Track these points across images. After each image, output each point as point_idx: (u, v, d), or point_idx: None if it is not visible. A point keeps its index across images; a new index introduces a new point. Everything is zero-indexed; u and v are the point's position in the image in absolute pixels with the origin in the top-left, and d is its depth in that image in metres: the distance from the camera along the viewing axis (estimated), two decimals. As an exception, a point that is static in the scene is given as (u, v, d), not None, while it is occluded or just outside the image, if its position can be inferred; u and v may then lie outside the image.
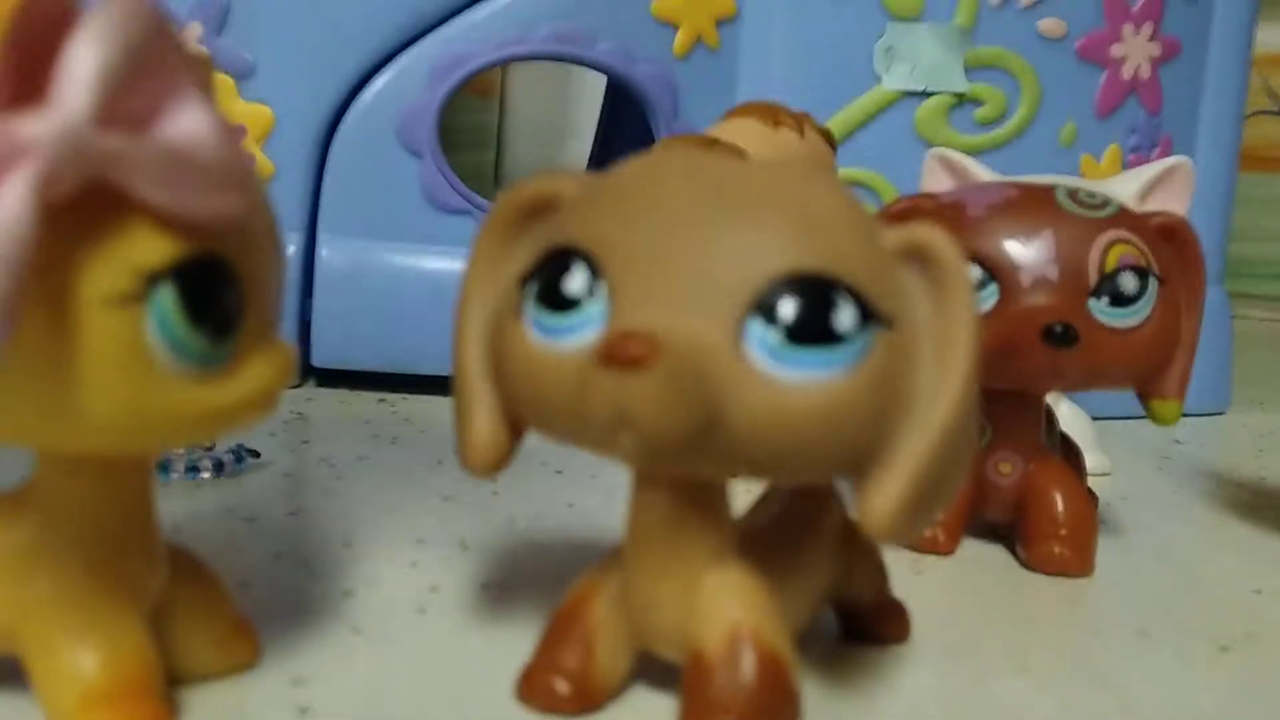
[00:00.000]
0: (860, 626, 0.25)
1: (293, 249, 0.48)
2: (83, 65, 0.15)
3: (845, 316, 0.18)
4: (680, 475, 0.20)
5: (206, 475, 0.34)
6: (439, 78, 0.47)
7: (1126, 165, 0.52)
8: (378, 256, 0.48)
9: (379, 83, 0.48)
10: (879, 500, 0.18)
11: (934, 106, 0.50)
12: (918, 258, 0.19)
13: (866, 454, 0.19)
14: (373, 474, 0.36)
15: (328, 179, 0.48)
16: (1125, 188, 0.35)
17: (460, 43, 0.47)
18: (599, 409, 0.18)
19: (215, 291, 0.17)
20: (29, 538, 0.19)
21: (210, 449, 0.36)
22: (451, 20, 0.47)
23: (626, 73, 0.49)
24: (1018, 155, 0.50)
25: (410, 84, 0.47)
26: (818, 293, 0.18)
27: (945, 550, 0.31)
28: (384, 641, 0.24)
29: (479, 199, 0.48)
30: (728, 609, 0.20)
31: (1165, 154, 0.53)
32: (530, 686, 0.21)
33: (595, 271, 0.19)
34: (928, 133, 0.50)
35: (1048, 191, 0.30)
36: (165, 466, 0.34)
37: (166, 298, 0.17)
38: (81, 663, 0.18)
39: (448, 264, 0.47)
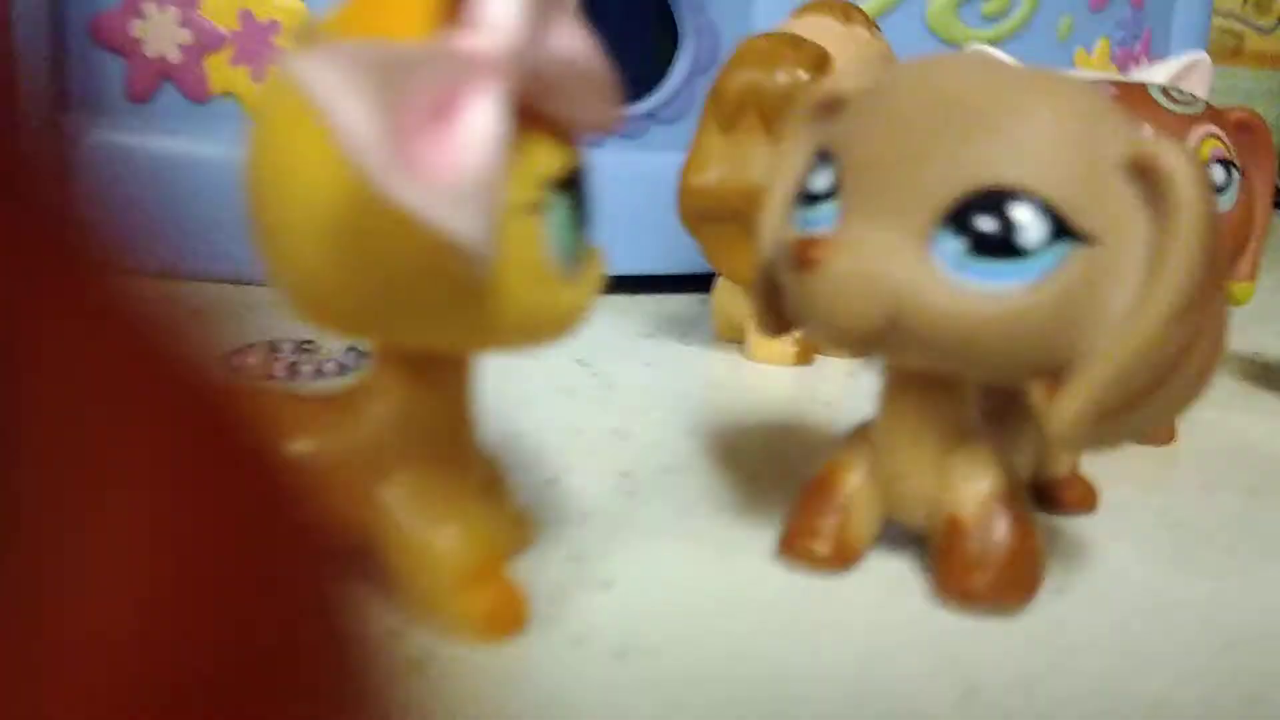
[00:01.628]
0: (1051, 499, 0.27)
1: (331, 149, 0.47)
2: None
3: (1034, 232, 0.19)
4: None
5: (333, 374, 0.35)
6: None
7: (1114, 58, 0.55)
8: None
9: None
10: (1062, 407, 0.20)
11: (944, 2, 0.52)
12: (1143, 172, 0.19)
13: (1052, 362, 0.20)
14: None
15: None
16: (1153, 79, 0.38)
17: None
18: (791, 303, 0.21)
19: (588, 196, 0.19)
20: (374, 435, 0.20)
21: (308, 348, 0.37)
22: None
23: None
24: (1022, 48, 0.52)
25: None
26: (1005, 207, 0.19)
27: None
28: (621, 515, 0.25)
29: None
30: (979, 478, 0.23)
31: (1146, 47, 0.57)
32: (791, 547, 0.23)
33: (835, 172, 0.21)
34: (939, 28, 0.52)
35: (1143, 89, 0.33)
36: (294, 367, 0.35)
37: (561, 205, 0.18)
38: (450, 547, 0.20)
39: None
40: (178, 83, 0.47)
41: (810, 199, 0.21)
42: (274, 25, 0.46)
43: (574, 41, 0.18)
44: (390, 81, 0.15)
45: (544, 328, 0.18)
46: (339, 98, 0.14)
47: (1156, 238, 0.19)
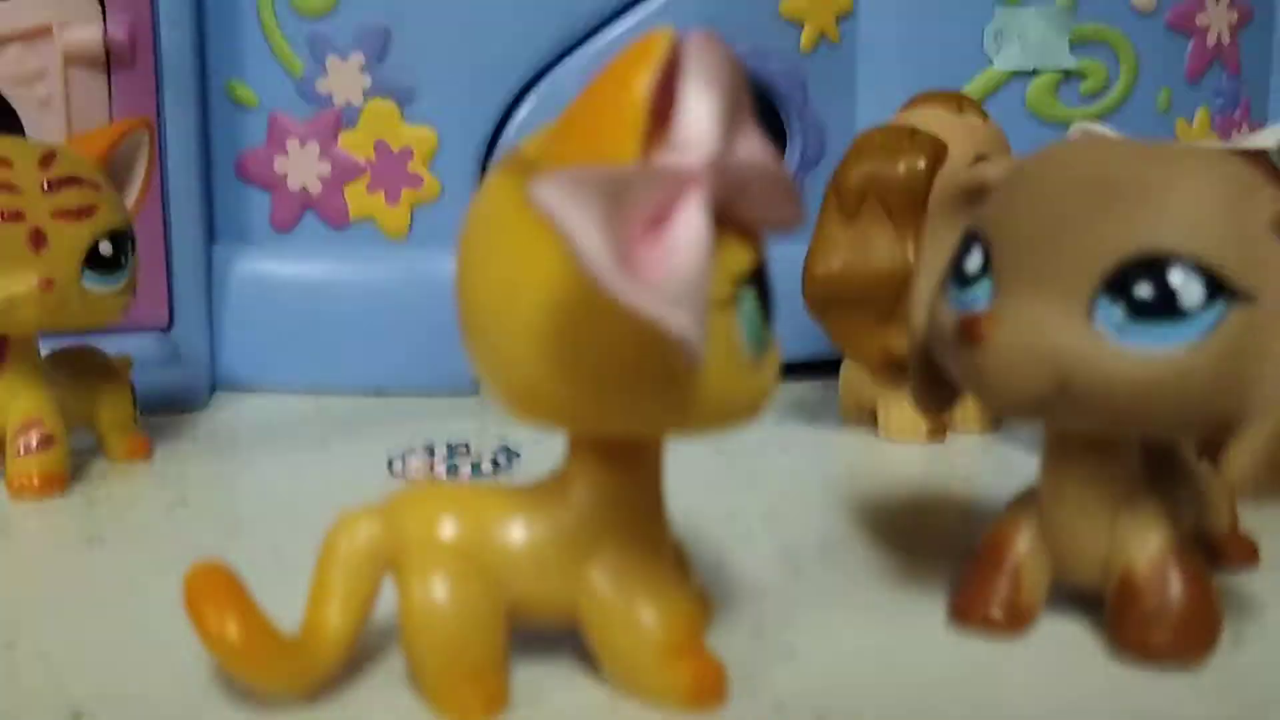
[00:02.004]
0: (1213, 555, 0.27)
1: (461, 262, 0.50)
2: (705, 108, 0.18)
3: (1192, 293, 0.20)
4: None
5: (489, 472, 0.37)
6: (590, 90, 0.50)
7: (1214, 126, 0.56)
8: (544, 263, 0.50)
9: (533, 98, 0.50)
10: (1236, 459, 0.21)
11: (1043, 84, 0.53)
12: None
13: (1219, 416, 0.21)
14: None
15: (491, 193, 0.50)
16: (1266, 144, 0.39)
17: (610, 55, 0.50)
18: (959, 375, 0.22)
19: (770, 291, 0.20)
20: (579, 518, 0.21)
21: (461, 450, 0.38)
22: (601, 32, 0.50)
23: (761, 70, 0.52)
24: (1124, 122, 0.53)
25: (564, 96, 0.50)
26: (1162, 272, 0.20)
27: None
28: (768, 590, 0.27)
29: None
30: (1150, 534, 0.23)
31: (1246, 113, 0.57)
32: (968, 615, 0.24)
33: (987, 253, 0.22)
34: (1039, 108, 0.53)
35: (1264, 154, 0.34)
36: (454, 470, 0.36)
37: (749, 298, 0.19)
38: (655, 622, 0.21)
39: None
40: (319, 212, 0.50)
41: (964, 279, 0.23)
42: (407, 152, 0.49)
43: (758, 149, 0.19)
44: (614, 200, 0.16)
45: (738, 411, 0.20)
46: (573, 216, 0.16)
47: None
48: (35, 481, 0.34)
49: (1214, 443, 0.22)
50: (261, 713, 0.21)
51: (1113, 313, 0.20)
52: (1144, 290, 0.20)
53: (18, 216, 0.33)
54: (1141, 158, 0.22)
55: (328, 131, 0.49)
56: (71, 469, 0.35)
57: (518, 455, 0.38)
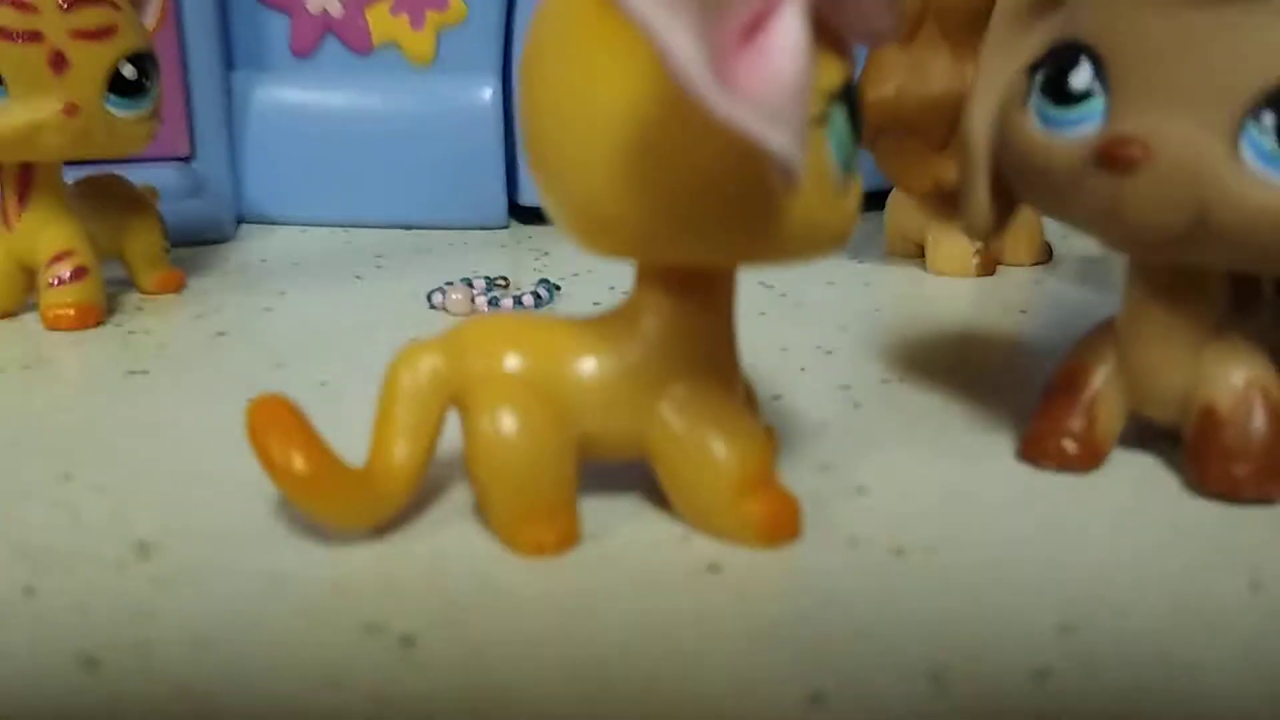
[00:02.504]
0: None
1: (489, 91, 0.48)
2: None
3: None
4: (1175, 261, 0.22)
5: (531, 306, 0.36)
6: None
7: None
8: (575, 91, 0.49)
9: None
10: None
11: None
12: None
13: None
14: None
15: (519, 17, 0.48)
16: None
17: None
18: (1092, 203, 0.20)
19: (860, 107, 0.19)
20: (649, 352, 0.21)
21: (505, 284, 0.38)
22: None
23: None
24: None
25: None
26: None
27: None
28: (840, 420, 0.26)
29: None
30: (1235, 369, 0.23)
31: None
32: (1041, 448, 0.24)
33: (1099, 68, 0.21)
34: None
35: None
36: (495, 303, 0.36)
37: (840, 117, 0.18)
38: (728, 456, 0.20)
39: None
40: (340, 36, 0.48)
41: (1066, 96, 0.21)
42: (431, -29, 0.47)
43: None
44: (709, 6, 0.15)
45: (826, 239, 0.19)
46: (665, 20, 0.14)
47: None
48: (71, 313, 0.33)
49: None
50: (329, 545, 0.20)
51: (1261, 141, 0.19)
52: None
53: (36, 37, 0.31)
54: None
55: (348, -51, 0.47)
56: (105, 300, 0.35)
57: (558, 288, 0.38)
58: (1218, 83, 0.19)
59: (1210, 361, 0.23)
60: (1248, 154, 0.19)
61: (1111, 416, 0.24)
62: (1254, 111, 0.19)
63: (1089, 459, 0.24)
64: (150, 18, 0.36)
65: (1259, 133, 0.19)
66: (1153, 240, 0.20)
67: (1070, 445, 0.24)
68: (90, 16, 0.32)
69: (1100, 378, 0.24)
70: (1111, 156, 0.20)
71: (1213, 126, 0.19)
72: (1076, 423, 0.24)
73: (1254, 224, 0.19)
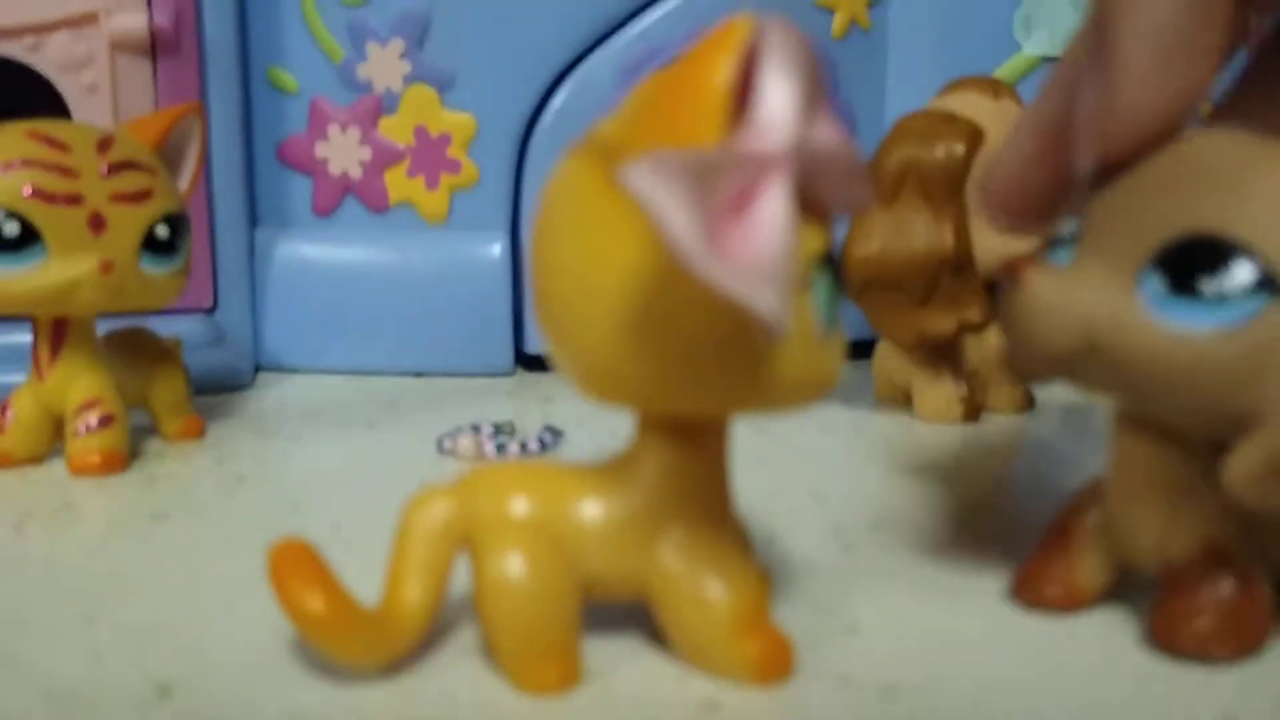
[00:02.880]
0: None
1: (498, 248, 0.51)
2: (785, 92, 0.19)
3: (1238, 278, 0.20)
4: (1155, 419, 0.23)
5: (536, 451, 0.37)
6: (627, 75, 0.50)
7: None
8: (580, 247, 0.51)
9: (570, 84, 0.50)
10: (1237, 461, 0.20)
11: (1074, 68, 0.54)
12: None
13: (1241, 413, 0.20)
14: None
15: (526, 180, 0.51)
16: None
17: (644, 40, 0.50)
18: (1001, 319, 0.23)
19: (841, 271, 0.21)
20: (649, 496, 0.22)
21: (511, 430, 0.39)
22: (633, 21, 0.50)
23: (795, 57, 0.52)
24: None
25: (600, 83, 0.50)
26: (1212, 253, 0.20)
27: None
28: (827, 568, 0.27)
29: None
30: (1201, 529, 0.23)
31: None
32: (1027, 591, 0.25)
33: (1080, 222, 0.23)
34: (1070, 93, 0.54)
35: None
36: (502, 449, 0.37)
37: (823, 279, 0.20)
38: (724, 598, 0.21)
39: (647, 249, 0.51)
40: (360, 196, 0.51)
41: (1056, 241, 0.23)
42: (446, 138, 0.50)
43: (833, 132, 0.20)
44: (702, 183, 0.17)
45: (811, 389, 0.20)
46: (663, 198, 0.16)
47: None
48: (97, 459, 0.35)
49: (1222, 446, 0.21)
50: (345, 685, 0.21)
51: (1156, 285, 0.21)
52: (1189, 268, 0.20)
53: (78, 200, 0.34)
54: (1245, 144, 0.21)
55: (368, 117, 0.50)
56: (129, 447, 0.36)
57: (562, 434, 0.39)
58: (1134, 231, 0.21)
59: (1180, 520, 0.23)
60: (1141, 296, 0.21)
61: (1096, 565, 0.25)
62: (1157, 259, 0.21)
63: (1071, 603, 0.25)
64: (185, 182, 0.38)
65: (1156, 278, 0.21)
66: (1039, 358, 0.22)
67: (1054, 590, 0.25)
68: (129, 181, 0.35)
69: (1088, 526, 0.25)
70: (1006, 270, 0.22)
71: (1121, 267, 0.21)
72: (1062, 569, 0.25)
73: (1131, 360, 0.21)
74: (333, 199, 0.51)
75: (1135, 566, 0.25)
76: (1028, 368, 0.23)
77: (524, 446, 0.37)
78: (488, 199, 0.51)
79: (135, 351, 0.38)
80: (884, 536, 0.30)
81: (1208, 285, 0.20)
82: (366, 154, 0.50)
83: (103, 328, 0.38)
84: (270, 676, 0.22)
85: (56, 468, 0.36)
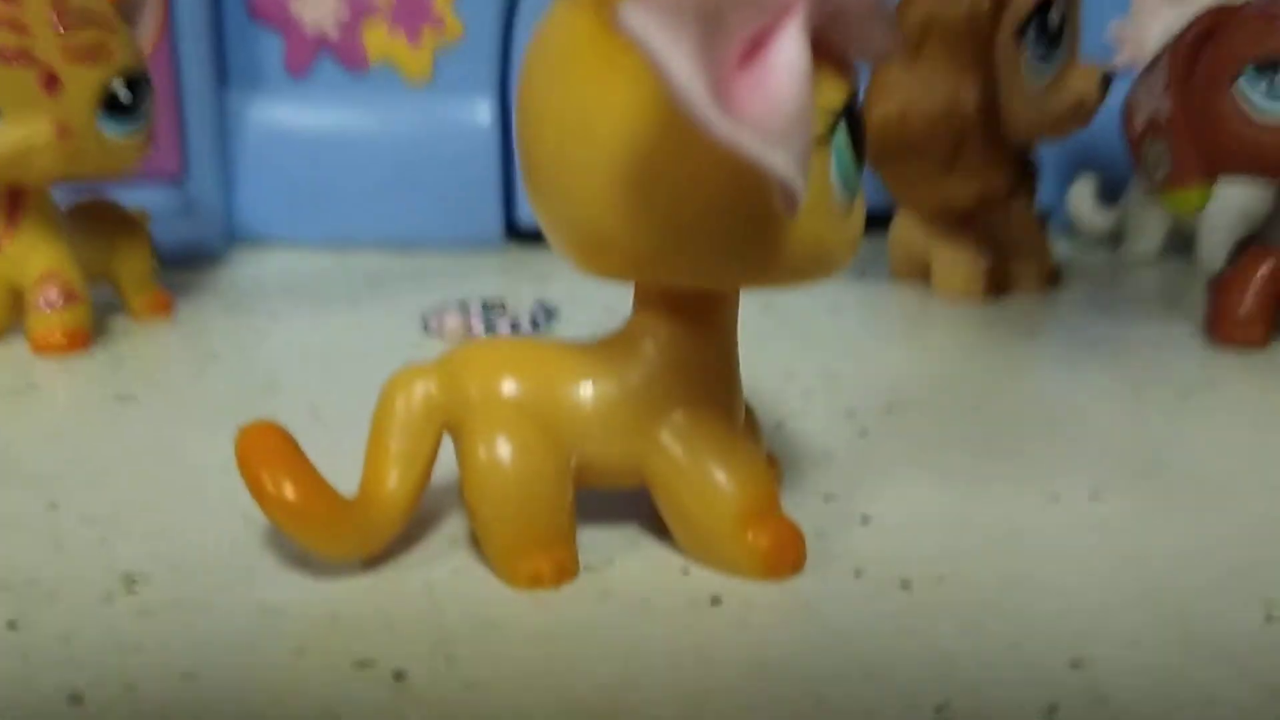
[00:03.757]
0: None
1: (486, 111, 0.48)
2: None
3: None
4: None
5: (528, 330, 0.36)
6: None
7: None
8: (572, 112, 0.48)
9: (560, -66, 0.47)
10: None
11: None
12: None
13: None
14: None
15: (518, 36, 0.48)
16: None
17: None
18: None
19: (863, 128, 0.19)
20: (648, 376, 0.20)
21: (502, 308, 0.37)
22: None
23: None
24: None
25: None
26: None
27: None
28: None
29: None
30: None
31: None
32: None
33: None
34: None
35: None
36: (491, 328, 0.35)
37: (841, 136, 0.18)
38: (732, 485, 0.20)
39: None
40: (336, 54, 0.48)
41: None
42: (427, -9, 0.47)
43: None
44: (710, 25, 0.15)
45: (828, 260, 0.18)
46: (666, 42, 0.14)
47: None
48: (59, 337, 0.33)
49: None
50: (321, 577, 0.20)
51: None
52: None
53: (28, 58, 0.31)
54: None
55: (343, -31, 0.47)
56: (94, 325, 0.34)
57: (555, 312, 0.37)
58: None
59: None
60: None
61: None
62: None
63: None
64: (145, 37, 0.35)
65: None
66: None
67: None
68: (83, 37, 0.32)
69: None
70: None
71: None
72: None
73: None
74: (307, 57, 0.48)
75: None
76: None
77: (515, 325, 0.35)
78: (474, 58, 0.48)
79: (98, 222, 0.36)
80: (899, 420, 0.28)
81: None
82: (343, 8, 0.47)
83: (65, 199, 0.35)
84: (242, 568, 0.20)
85: (18, 345, 0.34)
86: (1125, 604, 0.19)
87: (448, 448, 0.20)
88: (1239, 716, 0.16)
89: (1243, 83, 0.30)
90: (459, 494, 0.20)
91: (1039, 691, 0.17)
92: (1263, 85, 0.30)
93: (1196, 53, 0.31)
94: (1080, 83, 0.37)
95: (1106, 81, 0.37)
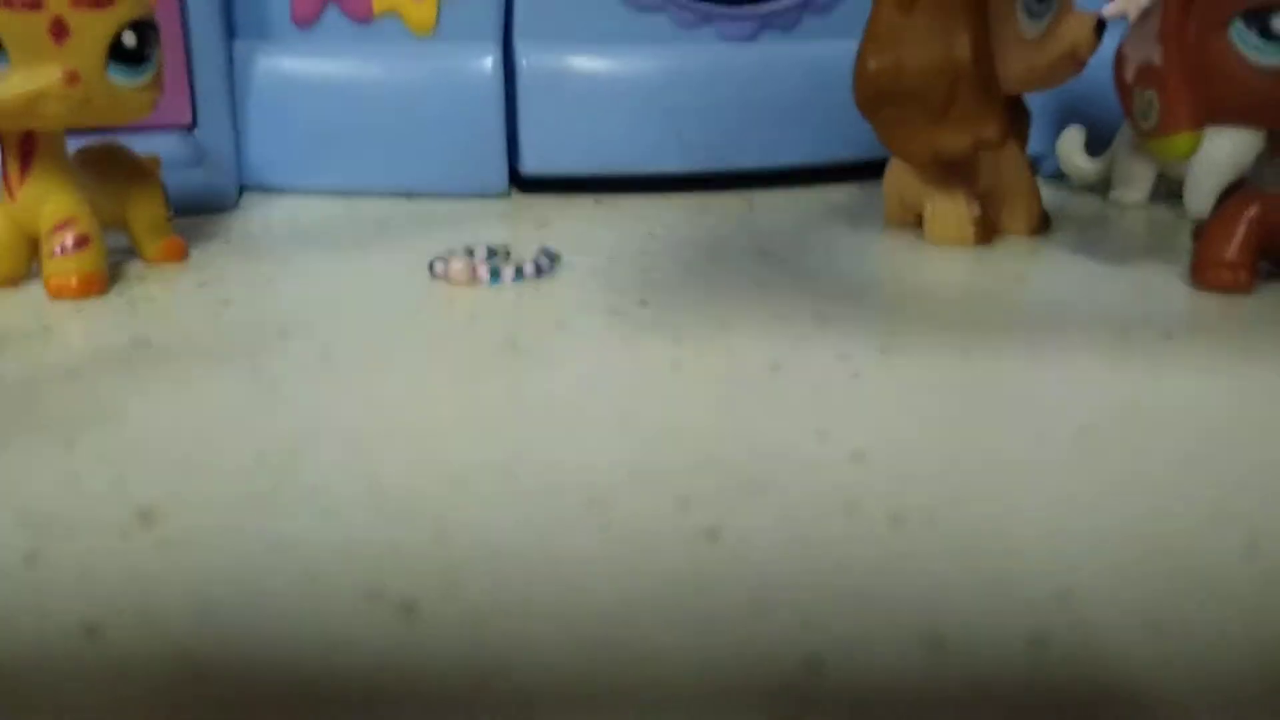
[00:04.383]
0: None
1: (490, 60, 0.48)
2: None
3: None
4: None
5: (532, 275, 0.36)
6: None
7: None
8: (576, 61, 0.48)
9: (566, -121, 0.47)
10: None
11: None
12: None
13: None
14: (668, 257, 0.38)
15: (519, -13, 0.48)
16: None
17: None
18: None
19: None
20: None
21: (506, 254, 0.38)
22: None
23: None
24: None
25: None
26: None
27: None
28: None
29: (677, -8, 0.48)
30: None
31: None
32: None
33: None
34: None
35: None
36: (496, 273, 0.36)
37: None
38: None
39: (646, 63, 0.48)
40: (341, 5, 0.48)
41: None
42: (433, -62, 0.47)
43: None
44: None
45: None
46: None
47: None
48: (74, 282, 0.34)
49: None
50: (331, 511, 0.21)
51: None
52: None
53: (36, 5, 0.31)
54: None
55: (348, -84, 0.47)
56: (108, 270, 0.35)
57: (559, 257, 0.38)
58: None
59: None
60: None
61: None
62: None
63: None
64: (151, -14, 0.35)
65: None
66: None
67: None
68: (90, -16, 0.32)
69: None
70: None
71: None
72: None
73: None
74: (313, 8, 0.48)
75: None
76: None
77: (519, 270, 0.36)
78: (478, 8, 0.48)
79: (110, 169, 0.37)
80: (894, 362, 0.29)
81: None
82: (348, -42, 0.47)
83: (75, 145, 0.36)
84: (255, 505, 0.21)
85: (35, 290, 0.35)
86: (1113, 539, 0.20)
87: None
88: (1219, 646, 0.17)
89: (1234, 30, 0.30)
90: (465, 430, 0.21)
91: (1027, 622, 0.17)
92: (1254, 32, 0.30)
93: (1189, 1, 0.31)
94: (1073, 29, 0.37)
95: (1100, 27, 0.37)
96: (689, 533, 0.20)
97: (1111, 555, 0.19)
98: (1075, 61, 0.38)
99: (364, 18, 0.48)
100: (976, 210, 0.40)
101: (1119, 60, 0.34)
